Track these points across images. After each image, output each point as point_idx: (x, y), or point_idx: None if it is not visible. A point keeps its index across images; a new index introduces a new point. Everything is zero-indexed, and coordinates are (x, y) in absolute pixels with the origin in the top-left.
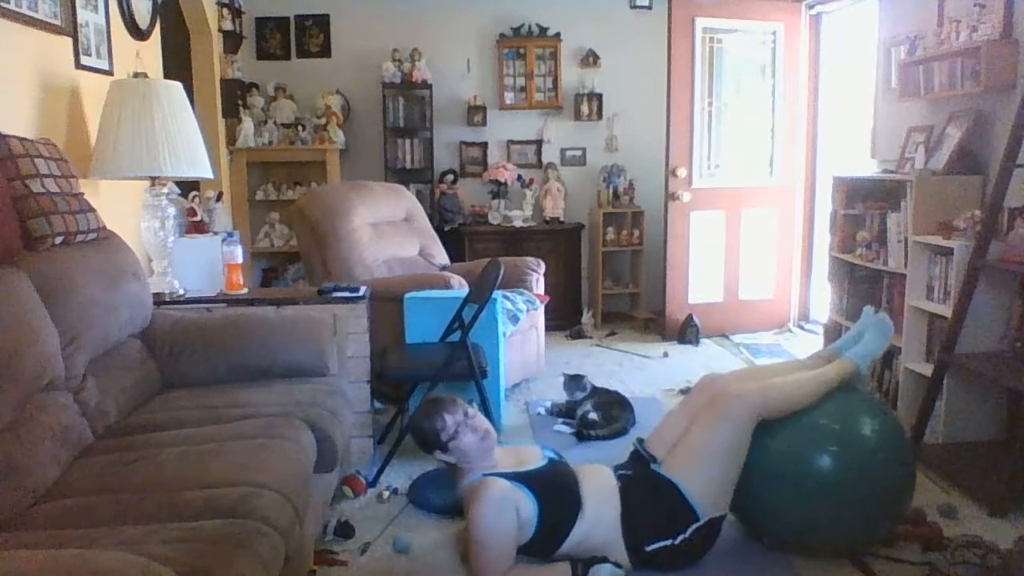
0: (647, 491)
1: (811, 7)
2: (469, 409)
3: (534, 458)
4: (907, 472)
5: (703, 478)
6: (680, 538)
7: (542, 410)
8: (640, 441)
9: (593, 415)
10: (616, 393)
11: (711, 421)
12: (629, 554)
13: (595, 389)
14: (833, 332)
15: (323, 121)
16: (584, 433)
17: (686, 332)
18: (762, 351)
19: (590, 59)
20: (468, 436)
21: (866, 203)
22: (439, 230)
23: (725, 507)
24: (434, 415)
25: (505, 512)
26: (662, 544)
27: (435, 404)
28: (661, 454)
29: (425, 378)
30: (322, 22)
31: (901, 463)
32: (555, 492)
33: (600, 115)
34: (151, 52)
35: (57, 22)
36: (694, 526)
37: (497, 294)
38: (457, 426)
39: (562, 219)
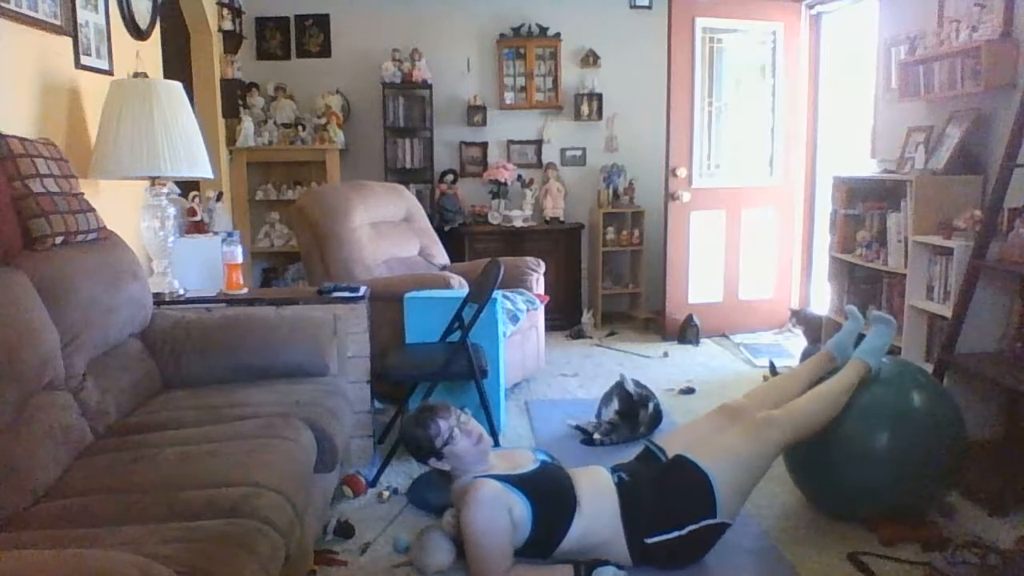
0: (658, 481)
1: (811, 7)
2: (462, 414)
3: (526, 461)
4: (960, 439)
5: (731, 478)
6: (688, 529)
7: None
8: (651, 440)
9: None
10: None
11: (751, 434)
12: (630, 548)
13: (622, 389)
14: (833, 332)
15: (323, 121)
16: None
17: (686, 332)
18: (762, 351)
19: (590, 59)
20: (463, 441)
21: (866, 203)
22: (439, 230)
23: (734, 516)
24: (427, 421)
25: (497, 511)
26: (666, 537)
27: (427, 411)
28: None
29: (425, 378)
30: (322, 22)
31: (954, 431)
32: (548, 493)
33: (600, 115)
34: (151, 52)
35: (57, 22)
36: (707, 521)
37: (497, 294)
38: (451, 430)
39: (562, 219)
